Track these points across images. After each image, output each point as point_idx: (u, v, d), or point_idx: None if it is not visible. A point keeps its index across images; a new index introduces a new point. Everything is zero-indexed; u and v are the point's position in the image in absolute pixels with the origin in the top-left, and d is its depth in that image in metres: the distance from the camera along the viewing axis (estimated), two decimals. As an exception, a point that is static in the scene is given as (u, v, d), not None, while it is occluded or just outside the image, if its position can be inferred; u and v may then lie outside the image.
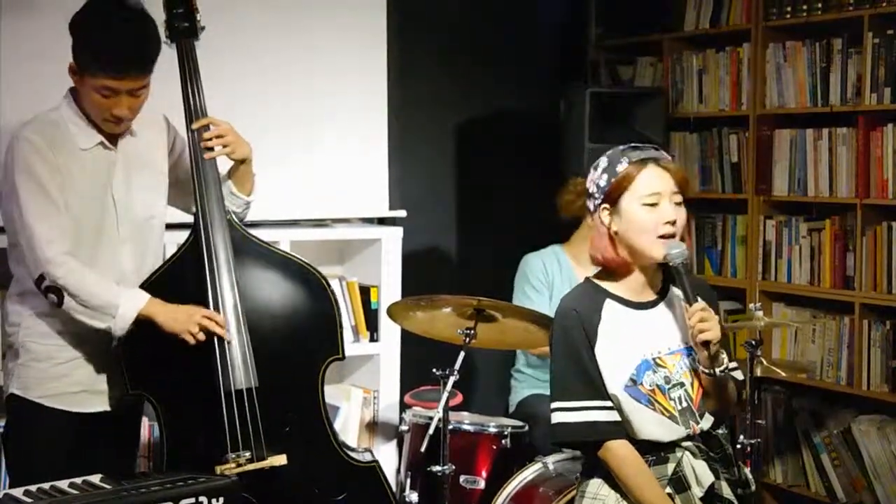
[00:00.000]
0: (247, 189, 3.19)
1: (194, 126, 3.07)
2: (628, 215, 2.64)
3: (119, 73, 2.82)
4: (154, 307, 2.90)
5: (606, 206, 2.67)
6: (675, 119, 5.05)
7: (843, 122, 4.46)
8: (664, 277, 2.77)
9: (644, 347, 2.67)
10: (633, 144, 2.74)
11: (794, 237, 4.65)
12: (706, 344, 2.60)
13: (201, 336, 2.92)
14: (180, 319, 2.91)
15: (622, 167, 2.65)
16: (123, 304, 2.86)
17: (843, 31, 4.44)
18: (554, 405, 2.67)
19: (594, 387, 2.63)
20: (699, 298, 2.63)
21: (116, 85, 2.83)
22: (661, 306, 2.74)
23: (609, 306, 2.69)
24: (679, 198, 2.67)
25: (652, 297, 2.74)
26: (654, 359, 2.67)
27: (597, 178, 2.69)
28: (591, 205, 2.72)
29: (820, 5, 4.48)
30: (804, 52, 4.57)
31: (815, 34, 4.54)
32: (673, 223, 2.63)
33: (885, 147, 4.30)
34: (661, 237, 2.63)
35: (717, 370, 2.64)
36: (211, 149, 3.06)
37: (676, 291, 2.77)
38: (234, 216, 3.13)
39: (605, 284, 2.73)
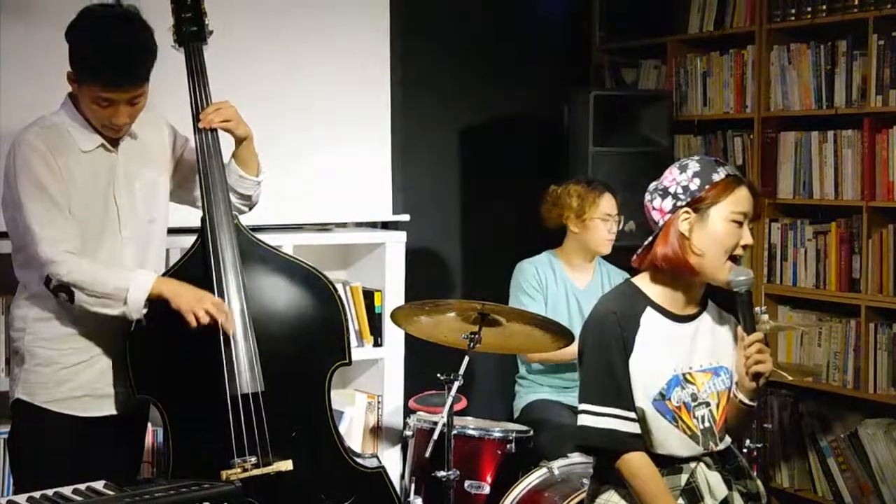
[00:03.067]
0: (253, 169, 3.18)
1: (202, 124, 3.06)
2: (713, 227, 2.58)
3: (115, 86, 2.82)
4: (163, 285, 2.89)
5: (689, 210, 2.59)
6: (680, 122, 5.05)
7: (848, 125, 4.45)
8: (704, 292, 2.71)
9: (677, 362, 2.63)
10: (718, 159, 2.68)
11: (800, 240, 4.64)
12: (757, 376, 2.57)
13: (205, 319, 2.88)
14: (187, 297, 2.89)
15: (718, 177, 2.59)
16: (133, 286, 2.85)
17: (848, 33, 4.43)
18: (581, 406, 2.63)
19: (621, 395, 2.58)
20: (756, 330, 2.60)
21: (114, 96, 2.83)
22: (699, 321, 2.69)
23: (648, 315, 2.64)
24: (751, 225, 2.64)
25: (692, 310, 2.69)
26: (684, 374, 2.62)
27: (685, 181, 2.60)
28: (668, 204, 2.61)
29: (824, 7, 4.48)
30: (809, 55, 4.56)
31: (820, 36, 4.54)
32: (747, 248, 2.62)
33: (890, 149, 4.29)
34: (732, 258, 2.60)
35: (757, 402, 2.62)
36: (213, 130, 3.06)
37: (715, 307, 2.73)
38: (240, 220, 3.12)
39: (648, 290, 2.67)
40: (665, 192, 2.63)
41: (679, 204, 2.60)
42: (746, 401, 2.62)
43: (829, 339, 4.54)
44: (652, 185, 2.68)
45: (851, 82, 4.42)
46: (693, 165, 2.62)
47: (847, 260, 4.46)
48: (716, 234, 2.57)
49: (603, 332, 2.62)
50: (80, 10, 2.88)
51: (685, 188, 2.60)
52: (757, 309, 3.82)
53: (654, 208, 2.65)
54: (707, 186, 2.58)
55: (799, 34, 4.62)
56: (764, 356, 2.56)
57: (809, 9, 4.53)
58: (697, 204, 2.58)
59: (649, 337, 2.61)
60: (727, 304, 2.68)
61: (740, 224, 2.59)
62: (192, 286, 2.93)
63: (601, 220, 4.01)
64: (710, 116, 4.96)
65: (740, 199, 2.59)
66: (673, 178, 2.63)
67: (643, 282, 2.69)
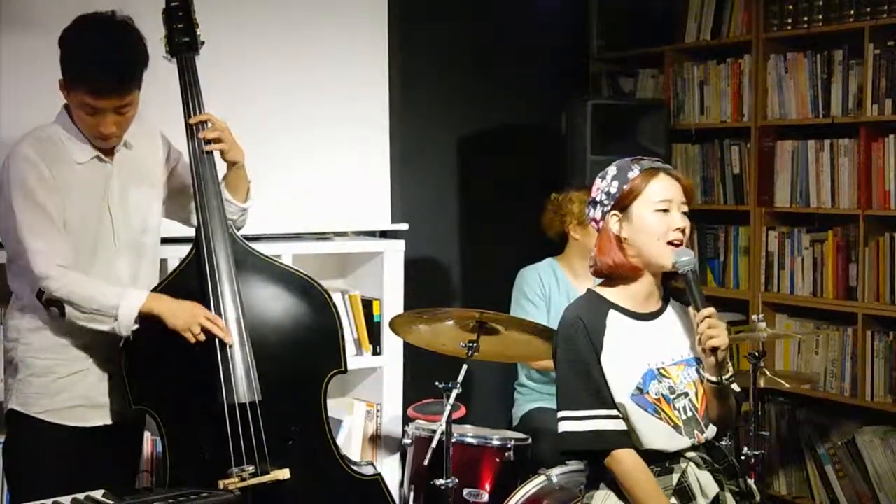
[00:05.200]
0: (241, 195, 3.18)
1: (192, 121, 3.07)
2: (639, 221, 2.66)
3: (99, 93, 2.82)
4: (155, 302, 2.89)
5: (616, 212, 2.69)
6: (677, 131, 5.06)
7: (844, 134, 4.46)
8: (664, 288, 2.78)
9: (649, 357, 2.68)
10: (640, 157, 2.77)
11: (797, 248, 4.65)
12: (714, 350, 2.61)
13: (202, 336, 2.90)
14: (182, 317, 2.90)
15: (633, 174, 2.68)
16: (124, 303, 2.85)
17: (844, 43, 4.45)
18: (560, 414, 2.67)
19: (600, 395, 2.63)
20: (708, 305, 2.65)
21: (98, 104, 2.83)
22: (664, 317, 2.76)
23: (613, 316, 2.70)
24: (686, 207, 2.70)
25: (654, 307, 2.75)
26: (658, 369, 2.67)
27: (605, 186, 2.72)
28: (598, 212, 2.73)
29: (821, 17, 4.49)
30: (805, 64, 4.57)
31: (817, 45, 4.55)
32: (682, 231, 2.66)
33: (886, 158, 4.30)
34: (671, 244, 2.65)
35: (723, 378, 2.64)
36: (208, 141, 3.05)
37: (677, 303, 2.79)
38: (234, 230, 3.12)
39: (609, 295, 2.74)
40: (594, 203, 2.75)
41: (605, 210, 2.71)
42: (711, 378, 2.66)
43: (827, 347, 4.55)
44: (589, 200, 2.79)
45: (848, 91, 4.43)
46: (611, 170, 2.74)
47: (844, 268, 4.48)
48: (643, 226, 2.66)
49: (572, 338, 2.67)
50: (76, 17, 2.89)
51: (607, 193, 2.71)
52: (754, 317, 3.84)
53: (591, 220, 2.78)
54: (624, 186, 2.67)
55: (795, 43, 4.64)
56: (716, 330, 2.61)
57: (806, 18, 4.54)
58: (621, 204, 2.68)
59: (617, 336, 2.67)
60: (686, 300, 2.74)
61: (667, 211, 2.65)
62: (185, 302, 2.93)
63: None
64: (707, 125, 4.98)
65: (659, 188, 2.67)
66: (597, 187, 2.75)
67: (603, 289, 2.77)
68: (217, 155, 3.10)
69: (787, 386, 4.03)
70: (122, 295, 2.88)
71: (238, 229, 3.20)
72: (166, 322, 2.89)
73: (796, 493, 4.68)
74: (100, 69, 2.81)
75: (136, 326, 2.88)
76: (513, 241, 4.84)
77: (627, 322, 2.70)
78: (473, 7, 4.99)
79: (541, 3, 5.25)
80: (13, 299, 3.02)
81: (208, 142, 3.06)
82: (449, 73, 4.94)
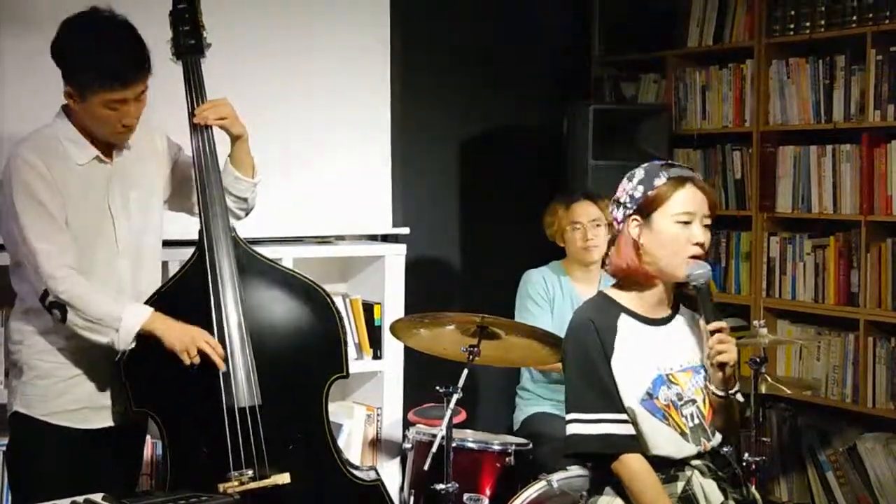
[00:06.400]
0: (249, 170, 3.17)
1: (196, 119, 3.05)
2: (659, 230, 2.63)
3: (124, 82, 2.81)
4: (157, 322, 2.88)
5: (637, 217, 2.66)
6: (679, 135, 5.05)
7: (846, 139, 4.46)
8: (675, 295, 2.76)
9: (658, 362, 2.67)
10: (670, 162, 2.74)
11: (799, 254, 4.65)
12: (723, 366, 2.60)
13: (197, 360, 2.90)
14: (182, 340, 2.89)
15: (660, 182, 2.65)
16: (126, 317, 2.85)
17: (846, 48, 4.45)
18: (569, 416, 2.66)
19: (610, 399, 2.62)
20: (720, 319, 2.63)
21: (124, 95, 2.83)
22: (674, 323, 2.74)
23: (624, 320, 2.69)
24: (709, 220, 2.66)
25: (665, 313, 2.74)
26: (667, 375, 2.67)
27: (631, 189, 2.68)
28: (620, 213, 2.70)
29: (823, 22, 4.50)
30: (807, 69, 4.57)
31: (819, 51, 4.55)
32: (701, 245, 2.63)
33: (888, 163, 4.30)
34: (689, 257, 2.62)
35: (728, 392, 2.63)
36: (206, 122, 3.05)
37: (687, 310, 2.77)
38: (237, 233, 3.12)
39: (620, 299, 2.73)
40: (617, 203, 2.72)
41: (627, 213, 2.67)
42: (717, 392, 2.66)
43: (828, 354, 4.54)
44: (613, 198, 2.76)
45: (850, 97, 4.43)
46: (639, 173, 2.70)
47: (846, 274, 4.47)
48: (662, 237, 2.63)
49: (582, 340, 2.66)
50: (60, 24, 2.86)
51: (631, 196, 2.67)
52: (755, 322, 3.83)
53: (613, 219, 2.75)
54: (649, 192, 2.64)
55: (797, 49, 4.64)
56: (726, 346, 2.59)
57: (808, 23, 4.54)
58: (643, 210, 2.64)
59: (628, 340, 2.66)
60: (696, 306, 2.72)
61: (688, 223, 2.62)
62: (186, 325, 2.92)
63: (571, 229, 4.05)
64: (709, 130, 4.97)
65: (683, 200, 2.63)
66: (623, 188, 2.71)
67: (615, 291, 2.76)
68: (219, 152, 3.10)
69: (789, 392, 4.02)
70: (127, 308, 2.87)
71: (249, 211, 3.21)
72: (163, 340, 2.88)
73: (797, 499, 4.67)
74: (119, 61, 2.81)
75: (133, 345, 2.88)
76: (514, 245, 4.83)
77: (638, 326, 2.69)
78: (475, 11, 4.99)
79: (542, 6, 5.24)
80: (17, 301, 3.02)
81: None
82: (451, 77, 4.94)
